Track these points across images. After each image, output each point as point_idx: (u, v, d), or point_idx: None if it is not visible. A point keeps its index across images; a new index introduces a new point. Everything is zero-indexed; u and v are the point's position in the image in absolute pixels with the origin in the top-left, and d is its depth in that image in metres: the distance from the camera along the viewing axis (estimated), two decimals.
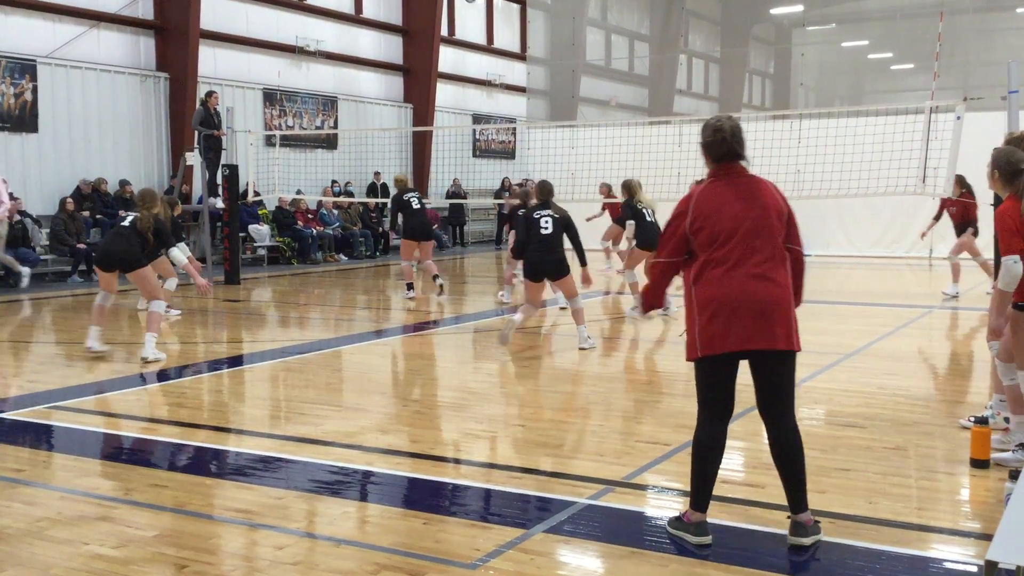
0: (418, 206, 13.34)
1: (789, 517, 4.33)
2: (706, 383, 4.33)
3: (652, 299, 4.65)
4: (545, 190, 9.57)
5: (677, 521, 4.41)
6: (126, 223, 9.29)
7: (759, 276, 4.16)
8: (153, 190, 9.83)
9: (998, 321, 5.32)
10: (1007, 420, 5.93)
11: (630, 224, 11.44)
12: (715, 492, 4.99)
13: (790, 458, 4.28)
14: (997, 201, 5.57)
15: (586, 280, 9.46)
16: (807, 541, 4.23)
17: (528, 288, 9.61)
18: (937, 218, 13.83)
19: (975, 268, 13.64)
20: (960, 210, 13.02)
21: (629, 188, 11.57)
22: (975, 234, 12.91)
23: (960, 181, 12.60)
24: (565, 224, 9.34)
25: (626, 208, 11.60)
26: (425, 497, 5.12)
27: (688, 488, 5.18)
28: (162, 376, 8.41)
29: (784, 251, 4.28)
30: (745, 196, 4.24)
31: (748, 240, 4.18)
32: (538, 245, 9.28)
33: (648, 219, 11.28)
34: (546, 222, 9.29)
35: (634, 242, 11.44)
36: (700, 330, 4.22)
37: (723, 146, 4.28)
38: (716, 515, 4.66)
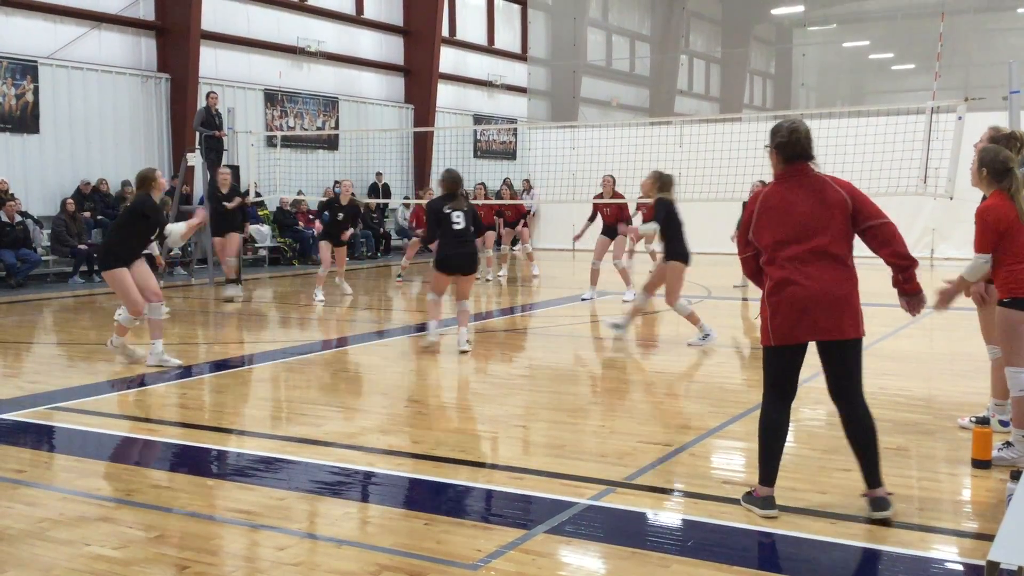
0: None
1: (865, 495, 4.60)
2: (775, 369, 4.66)
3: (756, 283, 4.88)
4: (452, 180, 9.26)
5: (748, 496, 4.74)
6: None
7: (824, 271, 4.47)
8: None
9: (951, 291, 5.40)
10: (1003, 423, 5.93)
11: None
12: (714, 493, 5.02)
13: (866, 437, 4.59)
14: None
15: None
16: (890, 513, 4.51)
17: (441, 280, 9.43)
18: (591, 219, 14.12)
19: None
20: (614, 211, 13.67)
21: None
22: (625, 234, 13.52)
23: (613, 181, 13.70)
24: (474, 216, 9.29)
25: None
26: (426, 498, 5.12)
27: (694, 489, 5.19)
28: (163, 377, 8.41)
29: (848, 245, 4.53)
30: (807, 197, 4.53)
31: (811, 238, 4.48)
32: (452, 239, 9.13)
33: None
34: (457, 216, 9.15)
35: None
36: (772, 322, 4.56)
37: (797, 147, 4.56)
38: (716, 515, 4.67)
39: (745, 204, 4.85)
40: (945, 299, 5.45)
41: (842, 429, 4.67)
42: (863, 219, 4.52)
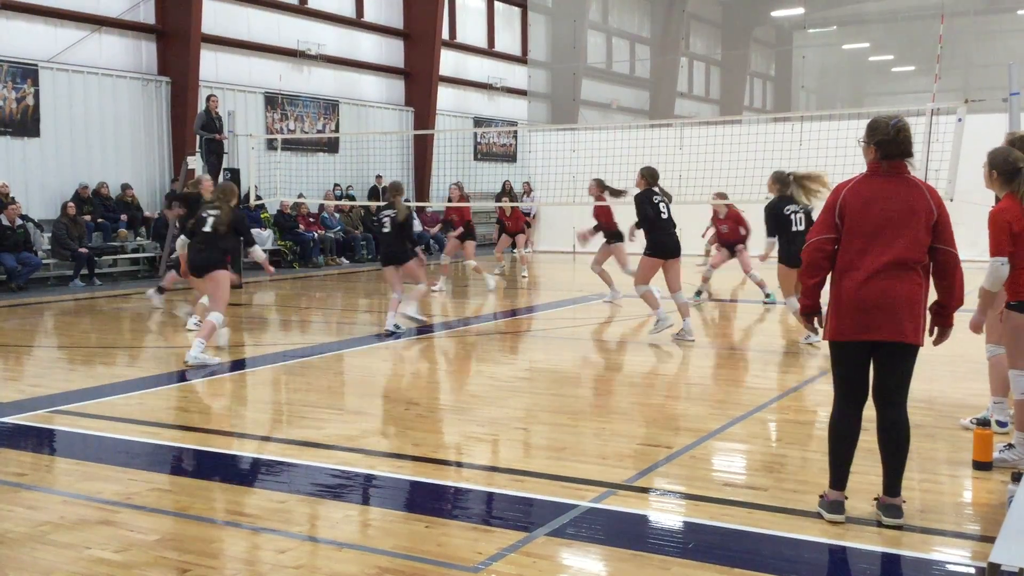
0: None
1: (880, 500, 4.57)
2: (838, 367, 4.62)
3: (802, 277, 4.67)
4: (652, 175, 9.95)
5: (820, 498, 4.70)
6: (207, 227, 9.32)
7: (892, 273, 4.39)
8: (231, 184, 10.04)
9: (980, 318, 5.44)
10: (1000, 424, 5.94)
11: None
12: (715, 495, 5.01)
13: (897, 446, 4.53)
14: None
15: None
16: (902, 521, 4.49)
17: (654, 267, 9.92)
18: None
19: (977, 270, 13.60)
20: (458, 214, 14.74)
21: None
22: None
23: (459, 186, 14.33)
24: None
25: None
26: (427, 500, 5.12)
27: (695, 491, 5.18)
28: (164, 380, 8.41)
29: (923, 253, 4.44)
30: (894, 195, 4.45)
31: (887, 237, 4.40)
32: (665, 225, 9.82)
33: (795, 228, 9.63)
34: (664, 207, 9.82)
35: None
36: (833, 317, 4.54)
37: (901, 146, 4.48)
38: (717, 517, 4.67)
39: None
40: (979, 326, 5.45)
41: (875, 432, 4.56)
42: (937, 238, 4.43)
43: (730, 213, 13.39)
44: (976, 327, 5.50)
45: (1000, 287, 5.19)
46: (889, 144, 4.47)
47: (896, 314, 4.38)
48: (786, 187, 9.36)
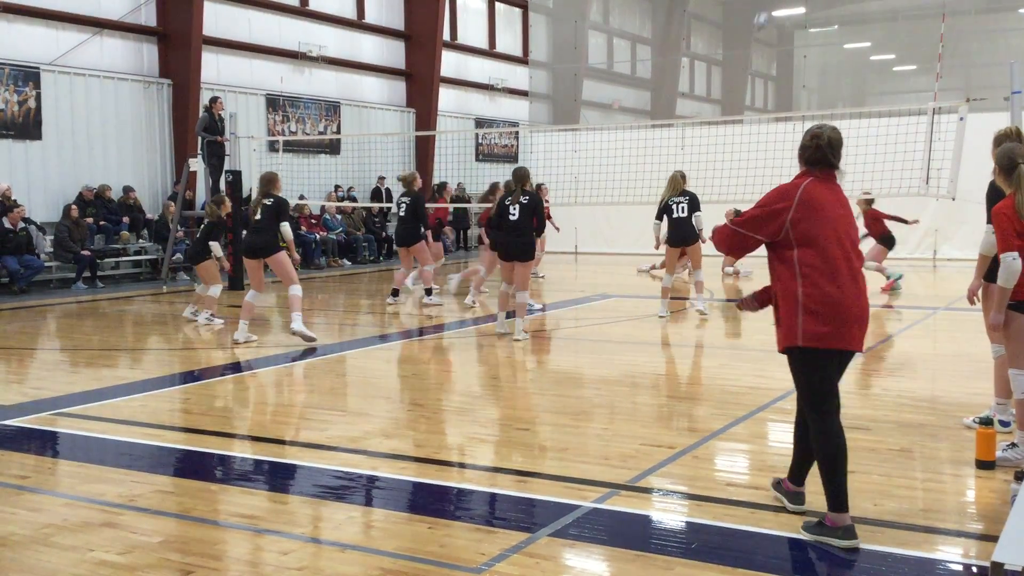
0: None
1: (788, 487, 4.69)
2: (812, 377, 4.37)
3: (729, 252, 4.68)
4: (516, 177, 10.57)
5: (819, 526, 4.36)
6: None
7: (858, 279, 4.37)
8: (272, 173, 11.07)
9: (997, 317, 5.32)
10: (1003, 423, 5.93)
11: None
12: (718, 495, 5.01)
13: (843, 454, 4.43)
14: (995, 196, 5.58)
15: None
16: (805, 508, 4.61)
17: (495, 263, 11.01)
18: None
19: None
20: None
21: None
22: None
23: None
24: (532, 209, 10.33)
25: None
26: (430, 501, 5.12)
27: (698, 492, 5.17)
28: (166, 382, 8.42)
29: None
30: (843, 203, 4.47)
31: (848, 245, 4.38)
32: (511, 228, 10.38)
33: (675, 215, 11.68)
34: (514, 209, 10.32)
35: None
36: (807, 325, 4.28)
37: (817, 152, 4.48)
38: (720, 518, 4.67)
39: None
40: (999, 324, 5.34)
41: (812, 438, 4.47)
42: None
43: (870, 213, 14.02)
44: (997, 326, 5.41)
45: (1014, 282, 5.14)
46: (804, 149, 4.52)
47: (864, 324, 4.38)
48: (671, 186, 11.78)
